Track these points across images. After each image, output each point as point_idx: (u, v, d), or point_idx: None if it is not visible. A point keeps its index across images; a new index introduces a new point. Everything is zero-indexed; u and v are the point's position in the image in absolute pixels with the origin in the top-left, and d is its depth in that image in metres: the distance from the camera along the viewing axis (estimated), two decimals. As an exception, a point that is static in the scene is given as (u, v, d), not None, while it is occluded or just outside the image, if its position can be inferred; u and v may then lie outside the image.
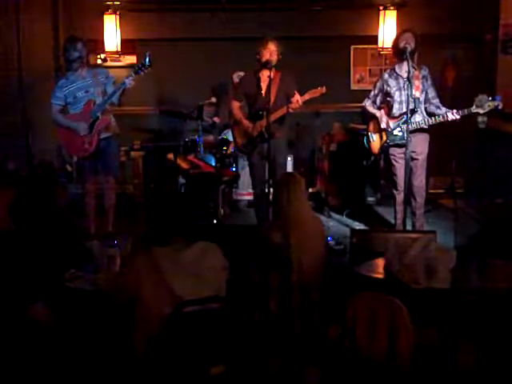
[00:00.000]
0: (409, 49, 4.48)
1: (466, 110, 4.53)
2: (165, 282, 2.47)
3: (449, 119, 4.59)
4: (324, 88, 4.61)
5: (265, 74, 4.74)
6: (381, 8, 6.70)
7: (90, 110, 4.78)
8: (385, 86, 4.82)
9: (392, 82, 4.77)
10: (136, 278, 2.48)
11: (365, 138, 5.03)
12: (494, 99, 4.50)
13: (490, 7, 6.36)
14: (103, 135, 4.88)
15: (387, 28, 6.66)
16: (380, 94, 4.89)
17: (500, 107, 4.50)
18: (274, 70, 4.62)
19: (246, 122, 4.89)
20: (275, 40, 4.74)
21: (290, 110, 4.70)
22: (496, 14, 6.29)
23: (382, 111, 4.88)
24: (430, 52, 5.19)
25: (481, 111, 4.51)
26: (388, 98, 4.84)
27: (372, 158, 5.05)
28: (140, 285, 2.47)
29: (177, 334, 2.43)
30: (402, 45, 4.53)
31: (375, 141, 4.92)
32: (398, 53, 4.63)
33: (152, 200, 2.81)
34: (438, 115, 4.64)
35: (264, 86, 4.76)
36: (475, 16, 6.54)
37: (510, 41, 6.11)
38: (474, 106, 4.50)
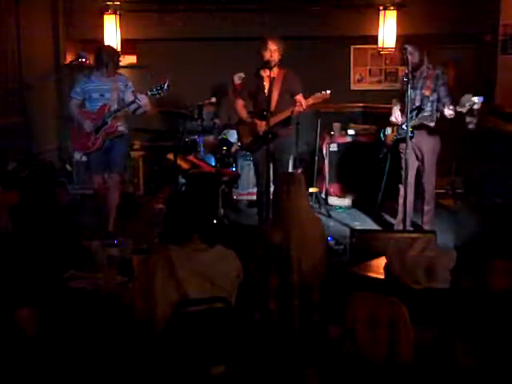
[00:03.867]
0: (411, 68, 4.58)
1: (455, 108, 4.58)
2: (177, 281, 2.46)
3: (444, 114, 4.62)
4: (328, 93, 4.61)
5: (267, 73, 4.75)
6: (381, 8, 6.70)
7: (104, 113, 4.86)
8: (403, 87, 4.89)
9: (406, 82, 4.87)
10: (151, 274, 2.48)
11: (381, 132, 5.25)
12: (474, 98, 4.46)
13: (490, 7, 6.37)
14: (110, 136, 4.93)
15: (387, 28, 6.66)
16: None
17: (476, 107, 4.47)
18: (276, 68, 4.68)
19: (254, 120, 4.86)
20: (275, 38, 4.74)
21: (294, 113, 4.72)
22: (496, 14, 6.29)
23: (397, 107, 5.03)
24: (430, 52, 5.19)
25: (463, 110, 4.53)
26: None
27: (385, 151, 5.22)
28: (153, 282, 2.46)
29: (178, 333, 2.42)
30: (413, 61, 4.62)
31: (389, 133, 5.14)
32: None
33: (171, 199, 2.79)
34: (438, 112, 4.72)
35: (266, 85, 4.76)
36: (475, 16, 6.54)
37: (510, 41, 6.10)
38: (458, 106, 4.53)
